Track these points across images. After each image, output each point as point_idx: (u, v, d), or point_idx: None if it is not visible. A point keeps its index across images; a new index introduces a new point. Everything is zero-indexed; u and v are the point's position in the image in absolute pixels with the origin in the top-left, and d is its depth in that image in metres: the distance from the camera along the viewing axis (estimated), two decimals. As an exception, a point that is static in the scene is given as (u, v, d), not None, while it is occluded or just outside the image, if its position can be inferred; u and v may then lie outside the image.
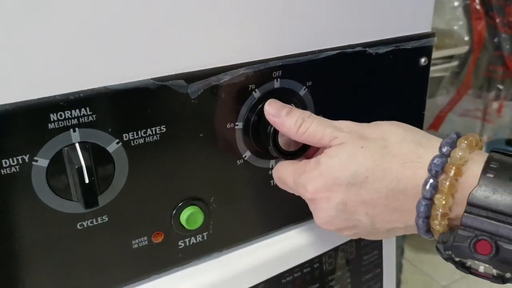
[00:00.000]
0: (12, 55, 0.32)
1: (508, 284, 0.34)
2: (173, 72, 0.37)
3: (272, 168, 0.46)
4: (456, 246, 0.32)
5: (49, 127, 0.34)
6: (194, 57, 0.38)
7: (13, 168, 0.33)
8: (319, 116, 0.40)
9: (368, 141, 0.37)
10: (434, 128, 1.52)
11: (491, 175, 0.32)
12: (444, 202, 0.33)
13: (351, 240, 0.53)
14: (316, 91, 0.45)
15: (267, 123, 0.41)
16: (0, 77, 0.32)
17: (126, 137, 0.37)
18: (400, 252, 1.36)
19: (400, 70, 0.50)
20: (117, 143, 0.36)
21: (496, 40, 1.43)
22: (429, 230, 0.35)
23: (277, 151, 0.42)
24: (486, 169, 0.32)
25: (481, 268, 0.33)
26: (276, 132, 0.41)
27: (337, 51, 0.45)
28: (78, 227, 0.37)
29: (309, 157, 0.42)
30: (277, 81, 0.42)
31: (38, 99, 0.33)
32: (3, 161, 0.33)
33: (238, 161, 0.43)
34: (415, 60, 0.50)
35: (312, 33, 0.44)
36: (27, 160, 0.34)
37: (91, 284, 0.40)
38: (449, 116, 1.52)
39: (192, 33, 0.38)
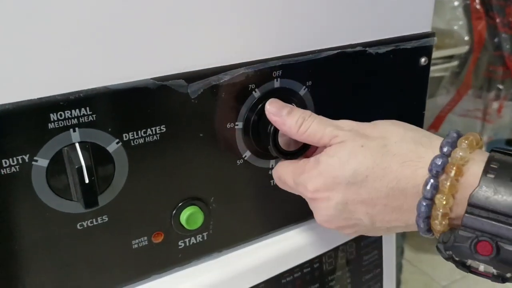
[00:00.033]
0: (12, 55, 0.32)
1: (508, 284, 0.34)
2: (173, 72, 0.37)
3: (272, 168, 0.46)
4: (456, 247, 0.32)
5: (49, 127, 0.34)
6: (194, 57, 0.38)
7: (13, 168, 0.33)
8: (319, 116, 0.40)
9: (369, 140, 0.37)
10: (434, 128, 1.52)
11: (492, 176, 0.32)
12: (444, 202, 0.33)
13: (351, 240, 0.53)
14: (316, 91, 0.45)
15: (267, 123, 0.41)
16: (0, 77, 0.32)
17: (126, 137, 0.37)
18: (400, 252, 1.36)
19: (400, 70, 0.50)
20: (117, 143, 0.36)
21: (496, 40, 1.43)
22: (429, 229, 0.35)
23: (277, 151, 0.42)
24: (486, 169, 0.32)
25: (481, 267, 0.33)
26: (276, 132, 0.41)
27: (337, 51, 0.45)
28: (78, 227, 0.37)
29: (308, 157, 0.42)
30: (277, 80, 0.42)
31: (38, 98, 0.33)
32: (3, 161, 0.33)
33: (238, 161, 0.43)
34: (415, 60, 0.50)
35: (312, 32, 0.44)
36: (27, 160, 0.33)
37: (91, 284, 0.40)
38: (449, 116, 1.52)
39: (192, 33, 0.38)
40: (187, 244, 0.43)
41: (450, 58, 1.45)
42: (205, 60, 0.39)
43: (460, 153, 0.33)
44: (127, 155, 0.37)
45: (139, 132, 0.37)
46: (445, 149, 0.34)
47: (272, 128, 0.41)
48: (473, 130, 1.49)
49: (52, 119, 0.33)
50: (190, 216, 0.41)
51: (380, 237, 0.56)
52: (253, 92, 0.41)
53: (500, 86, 1.50)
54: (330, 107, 0.46)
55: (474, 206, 0.32)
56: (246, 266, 0.46)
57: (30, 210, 0.35)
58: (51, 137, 0.34)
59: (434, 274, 1.66)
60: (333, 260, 0.52)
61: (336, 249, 0.52)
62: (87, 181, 0.34)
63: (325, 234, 0.51)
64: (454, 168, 0.33)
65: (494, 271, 0.32)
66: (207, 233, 0.44)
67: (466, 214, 0.32)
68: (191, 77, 0.38)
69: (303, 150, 0.43)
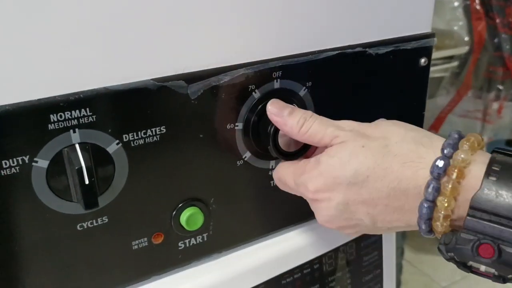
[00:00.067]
0: (12, 56, 0.32)
1: (509, 285, 0.34)
2: (173, 73, 0.37)
3: (272, 169, 0.46)
4: (458, 249, 0.32)
5: (49, 128, 0.34)
6: (194, 57, 0.38)
7: (13, 169, 0.33)
8: (321, 116, 0.40)
9: (370, 140, 0.37)
10: (434, 129, 1.52)
11: (494, 178, 0.32)
12: (446, 205, 0.33)
13: (351, 241, 0.53)
14: (316, 92, 0.45)
15: (267, 124, 0.41)
16: (0, 77, 0.32)
17: (126, 138, 0.37)
18: (400, 253, 1.36)
19: (400, 71, 0.50)
20: (117, 144, 0.36)
21: (496, 40, 1.43)
22: (430, 230, 0.35)
23: (277, 152, 0.41)
24: (488, 171, 0.32)
25: (482, 267, 0.33)
26: (276, 132, 0.41)
27: (337, 52, 0.45)
28: (78, 228, 0.37)
29: (308, 157, 0.42)
30: (277, 81, 0.42)
31: (38, 99, 0.33)
32: (3, 162, 0.33)
33: (238, 162, 0.43)
34: (415, 60, 0.50)
35: (312, 33, 0.44)
36: (27, 161, 0.33)
37: (91, 285, 0.40)
38: (449, 117, 1.51)
39: (192, 34, 0.38)
40: (187, 245, 0.43)
41: (450, 58, 1.45)
42: (205, 61, 0.39)
43: (462, 155, 0.33)
44: (127, 156, 0.37)
45: (139, 133, 0.37)
46: (446, 151, 0.34)
47: (272, 128, 0.41)
48: (473, 130, 1.49)
49: (52, 120, 0.33)
50: (190, 217, 0.41)
51: (380, 238, 0.56)
52: (253, 92, 0.41)
53: (500, 87, 1.50)
54: (330, 107, 0.46)
55: (476, 209, 0.32)
56: (246, 267, 0.46)
57: (30, 211, 0.35)
58: (51, 138, 0.34)
59: (435, 275, 1.66)
60: (333, 261, 0.52)
61: (336, 250, 0.52)
62: (87, 182, 0.34)
63: (325, 234, 0.51)
64: (456, 170, 0.33)
65: (493, 269, 0.32)
66: (207, 234, 0.44)
67: (468, 217, 0.32)
68: (191, 78, 0.38)
69: (303, 151, 0.43)
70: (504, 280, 0.33)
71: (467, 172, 0.33)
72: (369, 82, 0.48)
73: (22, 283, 0.37)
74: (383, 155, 0.36)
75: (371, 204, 0.36)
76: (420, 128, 0.38)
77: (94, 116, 0.35)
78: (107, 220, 0.38)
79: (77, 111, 0.34)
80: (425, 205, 0.34)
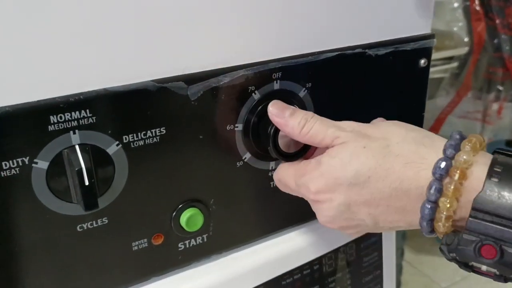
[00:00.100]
0: (12, 57, 0.32)
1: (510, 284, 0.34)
2: (173, 74, 0.37)
3: (272, 170, 0.46)
4: (460, 250, 0.33)
5: (49, 129, 0.34)
6: (194, 58, 0.38)
7: (13, 170, 0.33)
8: (321, 117, 0.40)
9: (370, 141, 0.37)
10: (434, 130, 1.52)
11: (496, 179, 0.32)
12: (448, 206, 0.33)
13: (351, 242, 0.53)
14: (315, 93, 0.45)
15: (267, 125, 0.41)
16: (0, 78, 0.32)
17: (126, 139, 0.37)
18: (400, 254, 1.36)
19: (400, 72, 0.50)
20: (117, 145, 0.36)
21: (496, 41, 1.43)
22: (432, 230, 0.35)
23: (276, 153, 0.42)
24: (490, 173, 0.32)
25: (484, 267, 0.33)
26: (276, 133, 0.41)
27: (337, 53, 0.45)
28: (78, 229, 0.37)
29: (308, 159, 0.42)
30: (276, 82, 0.42)
31: (38, 101, 0.33)
32: (3, 163, 0.33)
33: (238, 163, 0.43)
34: (414, 61, 0.50)
35: (311, 34, 0.44)
36: (27, 162, 0.34)
37: (90, 286, 0.40)
38: (449, 118, 1.51)
39: (192, 35, 0.38)
40: (187, 246, 0.43)
41: (449, 59, 1.45)
42: (205, 62, 0.39)
43: (464, 157, 0.33)
44: (127, 157, 0.37)
45: (139, 134, 0.37)
46: (448, 152, 0.34)
47: (272, 129, 0.41)
48: (473, 131, 1.49)
49: (52, 121, 0.33)
50: (190, 218, 0.41)
51: (380, 239, 0.56)
52: (253, 94, 0.41)
53: (500, 88, 1.50)
54: (330, 109, 0.46)
55: (478, 210, 0.32)
56: (246, 268, 0.46)
57: (30, 212, 0.35)
58: (51, 139, 0.34)
59: (435, 275, 1.66)
60: (333, 262, 0.52)
61: (336, 251, 0.52)
62: (87, 183, 0.34)
63: (325, 235, 0.51)
64: (458, 171, 0.33)
65: (495, 270, 0.32)
66: (207, 235, 0.44)
67: (470, 218, 0.32)
68: (191, 79, 0.38)
69: (303, 152, 0.43)
70: (506, 280, 0.33)
71: (469, 173, 0.33)
72: (369, 83, 0.48)
73: (22, 284, 0.37)
74: (384, 155, 0.36)
75: (373, 204, 0.36)
76: (421, 128, 0.39)
77: (94, 117, 0.35)
78: (107, 221, 0.38)
79: (77, 112, 0.34)
80: (427, 206, 0.34)
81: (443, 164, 0.33)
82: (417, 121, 0.54)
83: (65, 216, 0.36)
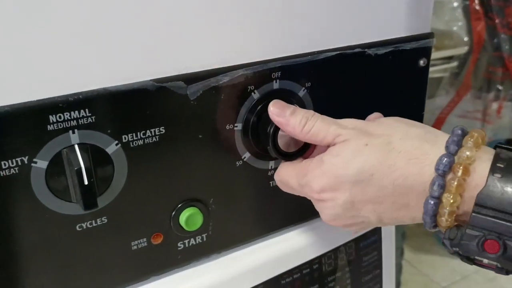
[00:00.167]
0: (11, 56, 0.32)
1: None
2: (172, 73, 0.38)
3: (271, 169, 0.46)
4: (463, 244, 0.33)
5: (48, 129, 0.34)
6: (193, 58, 0.38)
7: (12, 169, 0.33)
8: (322, 115, 0.40)
9: (373, 138, 0.37)
10: (434, 129, 1.51)
11: (499, 175, 0.32)
12: (452, 201, 0.33)
13: (350, 241, 0.53)
14: (315, 92, 0.45)
15: (266, 124, 0.41)
16: (0, 78, 0.32)
17: (125, 139, 0.37)
18: (399, 253, 1.36)
19: (399, 71, 0.50)
20: (116, 144, 0.37)
21: (495, 41, 1.43)
22: (435, 225, 0.35)
23: (276, 152, 0.42)
24: (493, 169, 0.32)
25: (485, 260, 0.33)
26: (275, 133, 0.41)
27: (336, 52, 0.45)
28: (78, 228, 0.37)
29: (307, 158, 0.42)
30: (276, 82, 0.42)
31: (37, 100, 0.33)
32: (2, 162, 0.33)
33: (237, 162, 0.43)
34: (414, 61, 0.50)
35: (311, 34, 0.44)
36: (26, 162, 0.34)
37: (90, 285, 0.40)
38: (449, 117, 1.52)
39: (192, 34, 0.38)
40: (187, 245, 0.43)
41: (449, 59, 1.45)
42: (204, 62, 0.39)
43: (467, 153, 0.33)
44: (126, 157, 0.37)
45: (138, 133, 0.37)
46: (451, 148, 0.34)
47: (272, 129, 0.41)
48: (472, 131, 1.48)
49: (51, 121, 0.33)
50: (190, 218, 0.41)
51: (380, 238, 0.56)
52: (252, 93, 0.41)
53: (500, 87, 1.50)
54: (330, 108, 0.46)
55: (481, 206, 0.32)
56: (245, 267, 0.46)
57: (29, 211, 0.35)
58: (51, 139, 0.34)
59: (434, 275, 1.66)
60: (333, 261, 0.52)
61: (335, 250, 0.52)
62: (86, 182, 0.34)
63: (325, 235, 0.51)
64: (461, 167, 0.33)
65: (498, 264, 0.33)
66: (206, 234, 0.44)
67: (473, 214, 0.32)
68: (190, 78, 0.38)
69: (302, 151, 0.43)
70: (507, 272, 0.33)
71: (472, 169, 0.33)
72: (368, 82, 0.48)
73: (21, 283, 0.37)
74: (387, 152, 0.36)
75: (377, 201, 0.36)
76: (422, 124, 0.39)
77: (93, 117, 0.35)
78: (106, 220, 0.38)
79: (76, 112, 0.34)
80: (431, 201, 0.34)
81: (446, 161, 0.33)
82: (417, 120, 0.53)
83: (65, 216, 0.36)
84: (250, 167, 0.44)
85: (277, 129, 0.41)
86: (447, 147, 0.34)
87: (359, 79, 0.47)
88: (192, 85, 0.38)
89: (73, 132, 0.34)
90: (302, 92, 0.44)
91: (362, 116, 0.43)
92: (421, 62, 0.51)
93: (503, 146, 0.34)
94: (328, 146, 0.39)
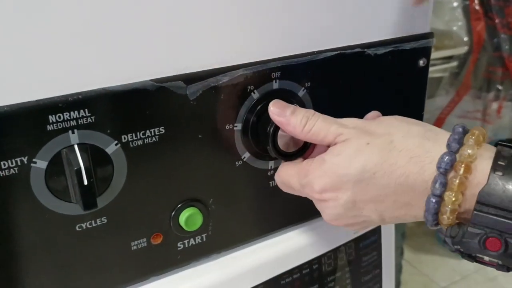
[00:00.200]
0: (11, 56, 0.32)
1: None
2: (172, 73, 0.37)
3: (271, 169, 0.46)
4: (465, 242, 0.33)
5: (48, 129, 0.34)
6: (193, 58, 0.38)
7: (11, 169, 0.33)
8: (323, 114, 0.40)
9: (374, 137, 0.37)
10: (434, 129, 1.51)
11: (500, 173, 0.32)
12: (454, 199, 0.33)
13: (350, 241, 0.53)
14: (315, 92, 0.45)
15: (266, 124, 0.41)
16: (-1, 78, 0.32)
17: (125, 139, 0.37)
18: (399, 253, 1.36)
19: (399, 71, 0.50)
20: (116, 144, 0.36)
21: (495, 40, 1.43)
22: (437, 223, 0.35)
23: (276, 152, 0.41)
24: (494, 167, 0.33)
25: (487, 257, 0.33)
26: (275, 132, 0.41)
27: (336, 52, 0.45)
28: (77, 228, 0.37)
29: (306, 158, 0.42)
30: (276, 82, 0.42)
31: (36, 100, 0.33)
32: (1, 162, 0.33)
33: (237, 162, 0.43)
34: (414, 61, 0.50)
35: (311, 34, 0.44)
36: (26, 162, 0.34)
37: (90, 286, 0.40)
38: (449, 118, 1.52)
39: (191, 34, 0.38)
40: (186, 245, 0.43)
41: (449, 58, 1.45)
42: (204, 62, 0.39)
43: (469, 151, 0.33)
44: (126, 157, 0.37)
45: (138, 133, 0.37)
46: (452, 146, 0.34)
47: (271, 129, 0.41)
48: (472, 131, 1.48)
49: (51, 121, 0.33)
50: (189, 218, 0.41)
51: (379, 238, 0.56)
52: (252, 93, 0.41)
53: (500, 87, 1.50)
54: (329, 108, 0.46)
55: (483, 204, 0.32)
56: (245, 267, 0.46)
57: (29, 212, 0.35)
58: (50, 139, 0.34)
59: (434, 275, 1.66)
60: (332, 261, 0.52)
61: (335, 250, 0.52)
62: (86, 182, 0.34)
63: (324, 235, 0.51)
64: (463, 166, 0.33)
65: (499, 261, 0.33)
66: (206, 234, 0.44)
67: (475, 212, 0.32)
68: (190, 78, 0.38)
69: (302, 151, 0.43)
70: (508, 269, 0.33)
71: (474, 167, 0.33)
72: (368, 82, 0.48)
73: (21, 283, 0.37)
74: (389, 151, 0.36)
75: (378, 200, 0.36)
76: (422, 122, 0.39)
77: (92, 117, 0.35)
78: (106, 220, 0.38)
79: (76, 112, 0.34)
80: (432, 200, 0.34)
81: (447, 159, 0.34)
82: (416, 120, 0.54)
83: (64, 216, 0.36)
84: (250, 167, 0.44)
85: (276, 129, 0.41)
86: (448, 145, 0.35)
87: (359, 79, 0.47)
88: (192, 85, 0.38)
89: (73, 132, 0.34)
90: (301, 92, 0.44)
91: (362, 116, 0.43)
92: (421, 62, 0.51)
93: (504, 143, 0.34)
94: (329, 146, 0.39)
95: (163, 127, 0.38)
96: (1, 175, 0.33)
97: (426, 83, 0.53)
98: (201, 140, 0.40)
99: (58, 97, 0.33)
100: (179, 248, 0.43)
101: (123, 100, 0.36)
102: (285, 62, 0.42)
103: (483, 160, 0.33)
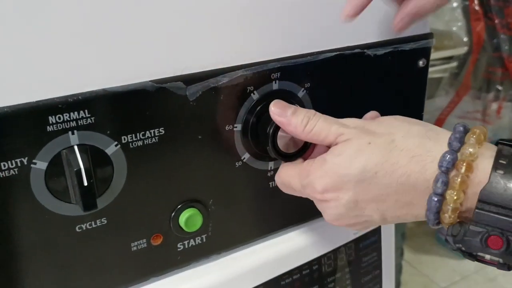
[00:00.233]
0: (11, 57, 0.32)
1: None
2: (171, 74, 0.38)
3: (270, 170, 0.46)
4: (467, 241, 0.33)
5: (48, 130, 0.34)
6: (192, 58, 0.38)
7: (11, 170, 0.33)
8: (324, 115, 0.40)
9: (375, 137, 0.37)
10: (434, 130, 1.51)
11: (502, 171, 0.32)
12: (455, 198, 0.33)
13: (350, 242, 0.53)
14: (314, 93, 0.45)
15: (266, 125, 0.41)
16: (-1, 79, 0.32)
17: (124, 140, 0.37)
18: (399, 254, 1.36)
19: (399, 72, 0.50)
20: (116, 145, 0.37)
21: (495, 41, 1.43)
22: (439, 222, 0.35)
23: (275, 153, 0.42)
24: (496, 165, 0.33)
25: (488, 256, 0.33)
26: (275, 133, 0.41)
27: (336, 53, 0.45)
28: (77, 229, 0.37)
29: (306, 159, 0.42)
30: (275, 83, 0.42)
31: (36, 101, 0.33)
32: (1, 163, 0.33)
33: (236, 163, 0.43)
34: (413, 61, 0.50)
35: (310, 34, 0.44)
36: (25, 163, 0.34)
37: (90, 286, 0.40)
38: (448, 118, 1.52)
39: (191, 35, 0.38)
40: (186, 246, 0.43)
41: (449, 59, 1.45)
42: (203, 62, 0.39)
43: (470, 150, 0.34)
44: (125, 158, 0.37)
45: (137, 134, 0.37)
46: (453, 145, 0.34)
47: (271, 129, 0.41)
48: (472, 131, 1.48)
49: (50, 122, 0.33)
50: (189, 218, 0.41)
51: (379, 239, 0.56)
52: (252, 94, 0.41)
53: (499, 87, 1.50)
54: (329, 109, 0.46)
55: (484, 202, 0.32)
56: (245, 268, 0.46)
57: (29, 212, 0.35)
58: (50, 140, 0.34)
59: (434, 275, 1.66)
60: (332, 262, 0.52)
61: (335, 251, 0.52)
62: (85, 183, 0.34)
63: (324, 235, 0.51)
64: (465, 164, 0.33)
65: (501, 259, 0.33)
66: (206, 235, 0.44)
67: (477, 210, 0.32)
68: (190, 79, 0.38)
69: (302, 152, 0.43)
70: (509, 268, 0.34)
71: (475, 166, 0.33)
72: (368, 83, 0.48)
73: (21, 284, 0.37)
74: (390, 150, 0.36)
75: (380, 199, 0.37)
76: (422, 121, 0.39)
77: (92, 118, 0.35)
78: (106, 221, 0.38)
79: (76, 112, 0.34)
80: (434, 198, 0.34)
81: (449, 158, 0.34)
82: (416, 121, 0.54)
83: (64, 217, 0.36)
84: (250, 168, 0.44)
85: (276, 129, 0.41)
86: (449, 144, 0.35)
87: (359, 79, 0.48)
88: (192, 85, 0.38)
89: (73, 133, 0.34)
90: (301, 93, 0.44)
91: (362, 117, 0.43)
92: (420, 63, 0.51)
93: (504, 142, 0.34)
94: (329, 146, 0.39)
95: (163, 128, 0.38)
96: (1, 176, 0.33)
97: (426, 83, 0.53)
98: (201, 141, 0.40)
99: (58, 98, 0.33)
100: (179, 249, 0.43)
101: (123, 101, 0.36)
102: (285, 62, 0.42)
103: (484, 159, 0.34)
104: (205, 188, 0.42)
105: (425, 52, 0.51)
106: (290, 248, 0.49)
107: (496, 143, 0.35)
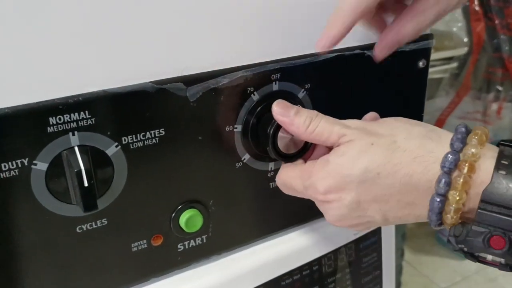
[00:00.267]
0: (11, 58, 0.32)
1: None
2: (172, 75, 0.38)
3: (271, 171, 0.46)
4: (469, 241, 0.33)
5: (48, 131, 0.34)
6: (192, 59, 0.38)
7: (12, 171, 0.33)
8: (326, 115, 0.40)
9: (377, 138, 0.37)
10: (434, 130, 1.51)
11: (504, 172, 0.33)
12: (458, 198, 0.33)
13: (350, 242, 0.53)
14: (314, 94, 0.45)
15: (266, 125, 0.41)
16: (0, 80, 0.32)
17: (125, 141, 0.37)
18: (400, 254, 1.36)
19: (399, 73, 0.50)
20: (116, 146, 0.37)
21: (495, 41, 1.43)
22: (441, 223, 0.35)
23: (276, 153, 0.42)
24: (498, 166, 0.33)
25: (489, 257, 0.34)
26: (275, 134, 0.41)
27: (336, 54, 0.45)
28: (78, 230, 0.37)
29: (306, 160, 0.42)
30: (275, 83, 0.42)
31: (37, 102, 0.33)
32: (2, 164, 0.33)
33: (237, 164, 0.43)
34: (413, 62, 0.50)
35: (310, 35, 0.44)
36: (26, 164, 0.34)
37: (90, 287, 0.40)
38: (448, 119, 1.52)
39: (191, 36, 0.38)
40: (187, 247, 0.43)
41: (449, 59, 1.46)
42: (204, 63, 0.39)
43: (472, 150, 0.34)
44: (126, 159, 0.37)
45: (138, 135, 0.37)
46: (455, 146, 0.35)
47: (272, 130, 0.41)
48: (472, 131, 1.48)
49: (51, 123, 0.34)
50: (189, 219, 0.41)
51: (380, 239, 0.56)
52: (252, 95, 0.42)
53: (499, 88, 1.50)
54: (329, 110, 0.46)
55: (487, 202, 0.33)
56: (245, 269, 0.46)
57: (29, 213, 0.35)
58: (50, 141, 0.34)
59: (434, 276, 1.66)
60: (333, 262, 0.52)
61: (335, 251, 0.52)
62: (86, 184, 0.34)
63: (325, 236, 0.51)
64: (467, 165, 0.33)
65: (502, 260, 0.33)
66: (206, 236, 0.44)
67: (479, 210, 0.33)
68: (190, 80, 0.38)
69: (302, 153, 0.43)
70: (511, 269, 0.34)
71: (477, 166, 0.34)
72: (368, 84, 0.48)
73: (22, 284, 0.37)
74: (392, 151, 0.36)
75: (382, 200, 0.37)
76: (423, 123, 0.39)
77: (93, 119, 0.35)
78: (106, 222, 0.38)
79: (76, 114, 0.34)
80: (437, 199, 0.34)
81: (451, 158, 0.34)
82: (416, 121, 0.54)
83: (65, 218, 0.36)
84: (250, 169, 0.44)
85: (276, 130, 0.41)
86: (451, 145, 0.35)
87: (359, 80, 0.48)
88: (192, 86, 0.38)
89: (73, 134, 0.34)
90: (301, 94, 0.44)
91: (362, 118, 0.43)
92: (421, 64, 0.51)
93: (506, 143, 0.35)
94: (330, 147, 0.39)
95: (163, 129, 0.38)
96: (2, 176, 0.33)
97: (426, 84, 0.53)
98: (201, 142, 0.40)
99: (58, 99, 0.34)
100: (179, 250, 0.43)
101: (123, 102, 0.36)
102: (285, 63, 0.42)
103: (486, 159, 0.34)
104: (205, 188, 0.42)
105: (425, 53, 0.51)
106: (291, 248, 0.49)
107: (498, 144, 0.35)
